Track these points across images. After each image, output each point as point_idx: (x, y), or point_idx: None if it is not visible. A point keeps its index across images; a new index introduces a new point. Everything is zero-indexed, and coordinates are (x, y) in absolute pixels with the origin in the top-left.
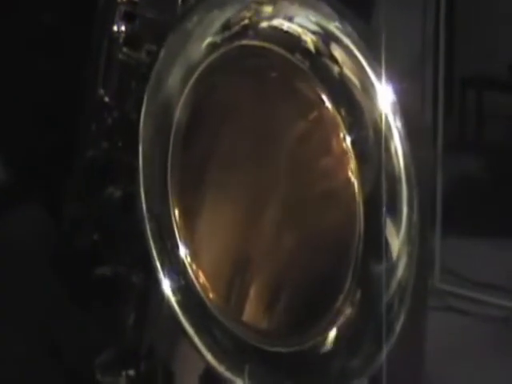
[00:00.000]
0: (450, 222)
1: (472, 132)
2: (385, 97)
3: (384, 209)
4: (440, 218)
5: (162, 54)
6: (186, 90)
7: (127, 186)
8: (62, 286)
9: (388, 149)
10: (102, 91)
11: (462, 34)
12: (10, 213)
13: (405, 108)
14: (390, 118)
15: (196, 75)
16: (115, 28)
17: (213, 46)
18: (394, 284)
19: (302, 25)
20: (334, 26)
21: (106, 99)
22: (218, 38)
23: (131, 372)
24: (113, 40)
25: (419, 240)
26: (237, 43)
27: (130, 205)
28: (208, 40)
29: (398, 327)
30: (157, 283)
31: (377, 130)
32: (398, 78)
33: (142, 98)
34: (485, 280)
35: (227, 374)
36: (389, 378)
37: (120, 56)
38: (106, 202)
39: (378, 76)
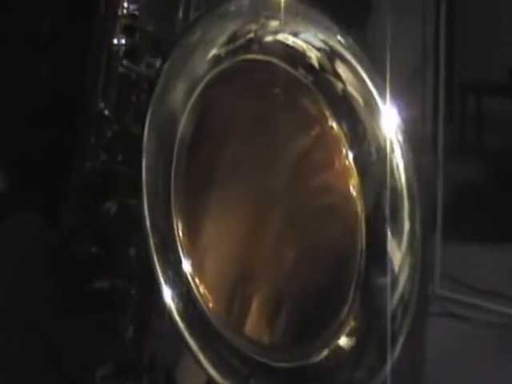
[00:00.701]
0: (451, 228)
1: (472, 137)
2: (389, 118)
3: (386, 224)
4: (440, 224)
5: (166, 67)
6: (190, 103)
7: (126, 198)
8: (61, 297)
9: (390, 164)
10: (101, 104)
11: (462, 40)
12: (8, 221)
13: (407, 125)
14: (392, 134)
15: (200, 88)
16: (115, 41)
17: (217, 59)
18: (396, 297)
19: (307, 40)
20: (338, 43)
21: (106, 112)
22: (222, 51)
23: None
24: (113, 53)
25: (421, 252)
26: (241, 57)
27: (129, 217)
28: (212, 53)
29: (401, 339)
30: (158, 296)
31: (379, 146)
32: (400, 95)
33: (144, 112)
34: (485, 286)
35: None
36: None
37: (120, 69)
38: (104, 214)
39: (382, 94)
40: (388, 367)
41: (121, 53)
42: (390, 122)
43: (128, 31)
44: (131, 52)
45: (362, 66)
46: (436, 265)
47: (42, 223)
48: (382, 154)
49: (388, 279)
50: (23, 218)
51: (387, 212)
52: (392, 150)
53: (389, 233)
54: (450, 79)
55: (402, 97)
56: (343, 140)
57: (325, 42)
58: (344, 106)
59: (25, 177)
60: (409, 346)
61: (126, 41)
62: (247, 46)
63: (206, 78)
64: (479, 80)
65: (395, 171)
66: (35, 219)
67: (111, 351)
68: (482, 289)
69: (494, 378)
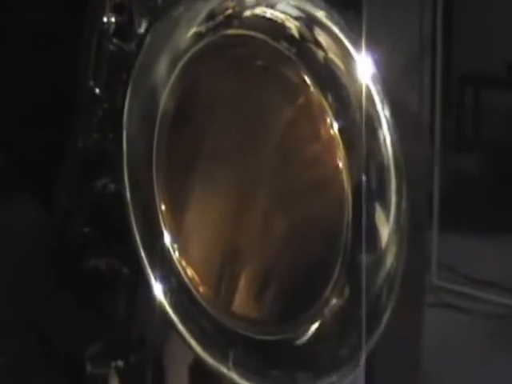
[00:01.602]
0: (447, 219)
1: (470, 129)
2: (365, 67)
3: (364, 196)
4: (437, 215)
5: (147, 41)
6: (172, 78)
7: (118, 177)
8: (53, 277)
9: (376, 138)
10: (92, 83)
11: (460, 32)
12: (2, 203)
13: (389, 84)
14: (379, 107)
15: (182, 63)
16: (105, 19)
17: (198, 36)
18: (382, 274)
19: (284, 11)
20: (315, 10)
21: (97, 91)
22: (202, 28)
23: (120, 363)
24: (103, 31)
25: (410, 230)
26: (221, 32)
27: (121, 197)
28: (193, 30)
29: (385, 318)
30: (145, 276)
31: (363, 114)
32: (393, 71)
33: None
34: (482, 277)
35: (211, 361)
36: (386, 373)
37: (110, 47)
38: (97, 193)
39: (359, 51)
40: (363, 345)
41: (111, 31)
42: (365, 71)
43: (118, 9)
44: (121, 30)
45: (340, 29)
46: (433, 255)
47: (34, 204)
48: (366, 123)
49: (363, 247)
50: (16, 198)
51: (374, 185)
52: (379, 125)
53: (376, 206)
54: (448, 72)
55: (384, 62)
56: (328, 110)
57: (301, 10)
58: (327, 74)
59: (17, 159)
60: (403, 334)
61: (115, 19)
62: (227, 22)
63: (189, 54)
64: (477, 73)
65: (382, 146)
66: (28, 200)
67: (101, 330)
68: (479, 279)
69: (490, 368)
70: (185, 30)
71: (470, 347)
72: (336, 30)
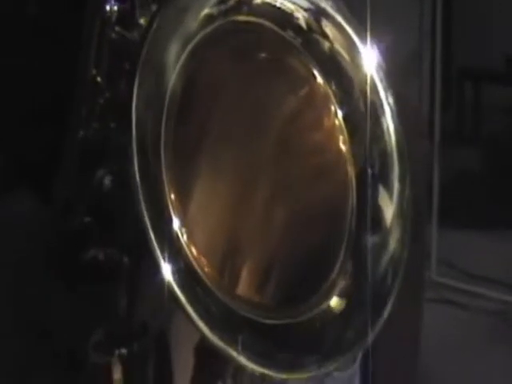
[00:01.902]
0: (447, 215)
1: (469, 124)
2: (370, 58)
3: (370, 177)
4: (437, 211)
5: (154, 26)
6: (181, 62)
7: (119, 166)
8: (53, 268)
9: (380, 125)
10: (94, 71)
11: (459, 27)
12: (1, 195)
13: (392, 74)
14: (382, 95)
15: (190, 47)
16: (107, 7)
17: (209, 18)
18: (386, 257)
19: (295, 1)
20: (324, 2)
21: (98, 79)
22: (214, 10)
23: (123, 351)
24: (105, 19)
25: (412, 215)
26: (231, 18)
27: (122, 186)
28: (205, 11)
29: (390, 301)
30: (149, 262)
31: (367, 103)
32: (385, 45)
33: (135, 70)
34: (481, 273)
35: (220, 344)
36: (385, 369)
37: (112, 35)
38: (97, 183)
39: (364, 43)
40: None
41: (113, 19)
42: (371, 63)
43: None
44: (123, 18)
45: (347, 21)
46: (432, 251)
47: (34, 194)
48: (371, 110)
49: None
50: (16, 190)
51: (377, 170)
52: (382, 112)
53: (379, 191)
54: (448, 66)
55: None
56: (332, 98)
57: (310, 1)
58: (332, 64)
59: (16, 150)
60: (403, 332)
61: (118, 7)
62: (238, 7)
63: (198, 37)
64: (476, 67)
65: (385, 133)
66: (28, 190)
67: (104, 319)
68: (479, 275)
69: (489, 364)
70: (195, 13)
71: (469, 343)
72: (343, 21)
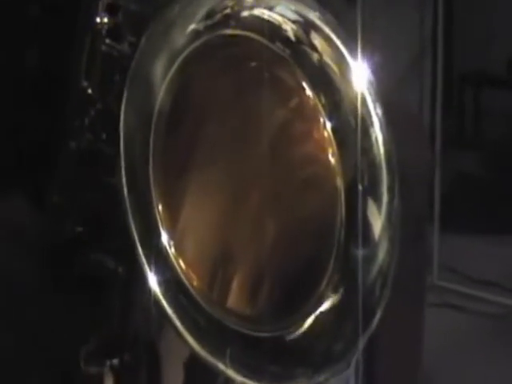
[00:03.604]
0: (449, 219)
1: (470, 129)
2: (361, 75)
3: (360, 191)
4: (438, 215)
5: (143, 42)
6: (168, 78)
7: (111, 177)
8: (46, 276)
9: (368, 136)
10: (85, 83)
11: (461, 31)
12: None
13: (384, 89)
14: (370, 106)
15: (178, 63)
16: (98, 20)
17: (196, 34)
18: (375, 269)
19: (283, 14)
20: (313, 15)
21: (89, 91)
22: (200, 26)
23: (115, 361)
24: (96, 32)
25: (401, 226)
26: (218, 32)
27: (115, 197)
28: (191, 27)
29: (379, 312)
30: (141, 272)
31: (357, 116)
32: (378, 61)
33: (122, 86)
34: (483, 277)
35: (209, 358)
36: (387, 373)
37: (103, 48)
38: (90, 192)
39: (355, 57)
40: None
41: (104, 32)
42: (361, 80)
43: (111, 10)
44: (114, 31)
45: (336, 34)
46: (434, 256)
47: (28, 202)
48: (360, 124)
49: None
50: (9, 197)
51: (366, 183)
52: (371, 123)
53: (368, 204)
54: (449, 70)
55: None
56: (321, 110)
57: (299, 14)
58: (321, 77)
59: (10, 158)
60: (405, 336)
61: (108, 19)
62: (225, 22)
63: (185, 53)
64: (477, 71)
65: (374, 144)
66: (22, 199)
67: (96, 328)
68: (480, 279)
69: (491, 368)
70: (182, 28)
71: (471, 347)
72: (332, 34)
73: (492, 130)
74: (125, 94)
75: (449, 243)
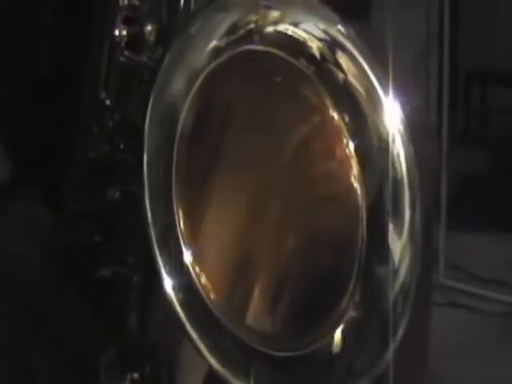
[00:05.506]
0: (455, 218)
1: (476, 126)
2: (391, 110)
3: (387, 214)
4: (444, 214)
5: (166, 59)
6: (191, 95)
7: (128, 187)
8: (64, 287)
9: (390, 153)
10: (103, 94)
11: (467, 29)
12: (11, 210)
13: (409, 114)
14: (393, 123)
15: (200, 80)
16: (116, 32)
17: (217, 51)
18: (397, 286)
19: (308, 31)
20: (338, 32)
21: (108, 102)
22: (222, 43)
23: (136, 375)
24: (114, 43)
25: (422, 241)
26: (241, 48)
27: (131, 206)
28: (212, 44)
29: (402, 328)
30: (160, 285)
31: (380, 136)
32: (403, 85)
33: (146, 103)
34: (489, 276)
35: (231, 379)
36: (394, 373)
37: (121, 59)
38: (107, 202)
39: (384, 85)
40: (390, 355)
41: (122, 43)
42: (391, 113)
43: (129, 22)
44: (132, 43)
45: (363, 56)
46: (440, 255)
47: (44, 212)
48: (383, 144)
49: (389, 268)
50: (26, 206)
51: (388, 202)
52: (393, 140)
53: (390, 223)
54: (455, 68)
55: (405, 86)
56: (344, 130)
57: (326, 32)
58: (345, 96)
59: (27, 166)
60: (412, 336)
61: (127, 31)
62: (248, 37)
63: (207, 70)
64: (483, 69)
65: (396, 161)
66: (38, 208)
67: (115, 339)
68: (486, 278)
69: (497, 367)
70: (203, 45)
71: (478, 345)
72: (359, 56)
73: (498, 128)
74: (148, 112)
75: (455, 242)
